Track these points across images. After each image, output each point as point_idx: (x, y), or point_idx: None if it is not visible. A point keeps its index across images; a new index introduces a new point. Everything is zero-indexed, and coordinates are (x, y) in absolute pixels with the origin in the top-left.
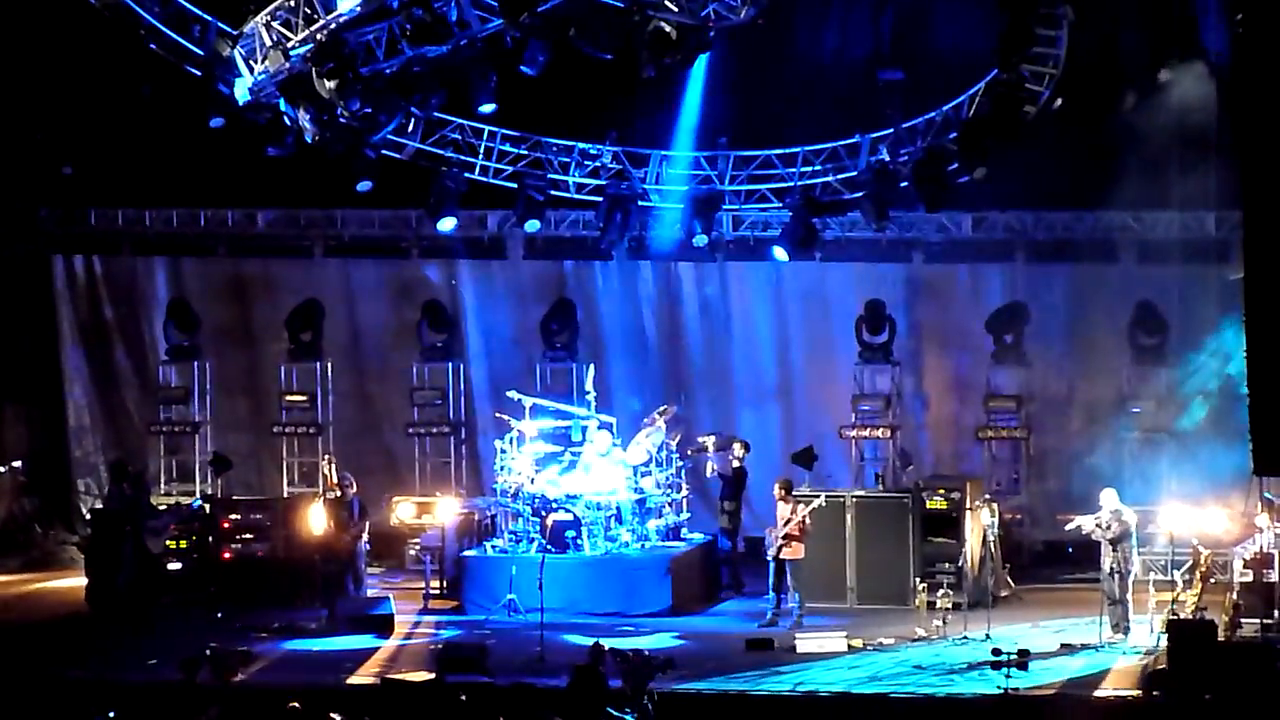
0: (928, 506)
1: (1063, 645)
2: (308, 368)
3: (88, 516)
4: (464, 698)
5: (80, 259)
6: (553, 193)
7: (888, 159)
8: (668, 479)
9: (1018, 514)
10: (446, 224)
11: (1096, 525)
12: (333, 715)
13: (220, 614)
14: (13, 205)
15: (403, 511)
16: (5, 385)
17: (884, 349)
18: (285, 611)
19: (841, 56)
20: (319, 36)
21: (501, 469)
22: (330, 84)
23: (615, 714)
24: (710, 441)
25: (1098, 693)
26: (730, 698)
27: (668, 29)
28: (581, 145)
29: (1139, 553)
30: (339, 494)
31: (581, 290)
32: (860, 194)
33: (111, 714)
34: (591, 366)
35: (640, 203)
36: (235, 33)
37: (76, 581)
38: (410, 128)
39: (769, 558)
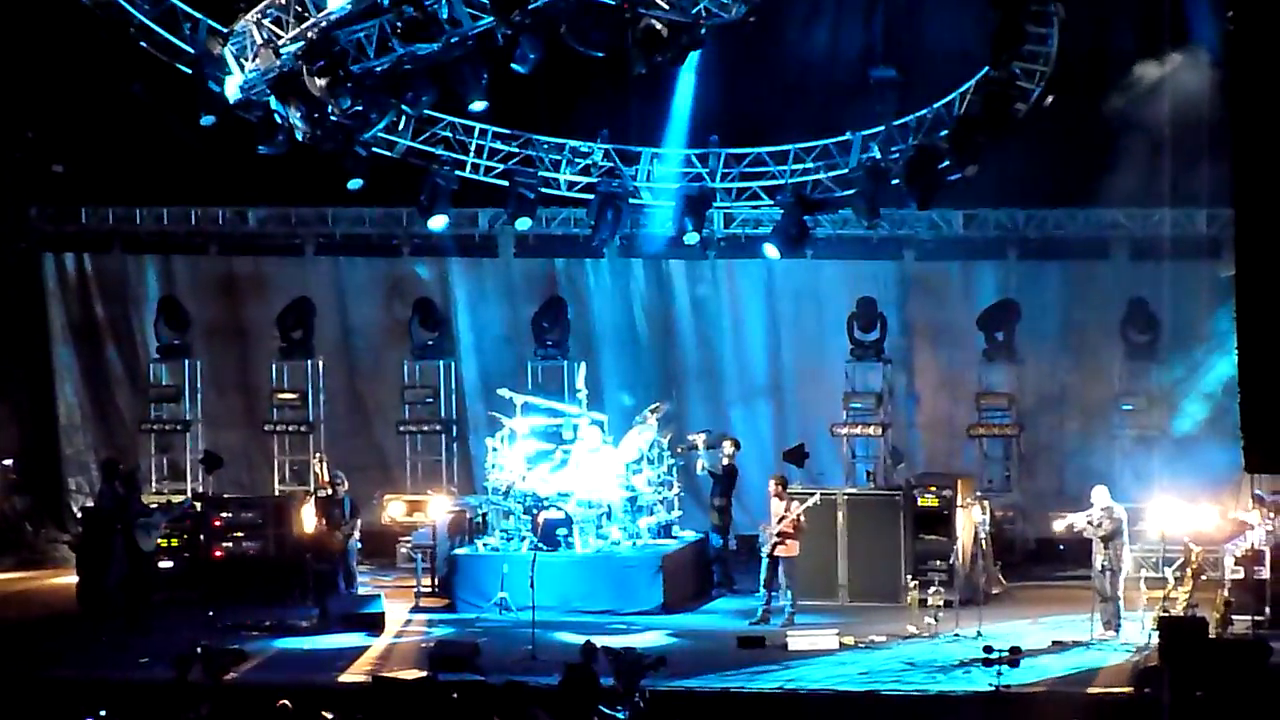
0: (919, 504)
1: (1054, 642)
2: (299, 366)
3: (79, 515)
4: (456, 696)
5: (71, 257)
6: (544, 190)
7: (879, 156)
8: (659, 477)
9: (1009, 511)
10: (438, 222)
11: (1088, 522)
12: (325, 714)
13: (211, 612)
14: (3, 203)
15: (394, 510)
16: None
17: (875, 346)
18: (277, 610)
19: (833, 54)
20: (310, 34)
21: (493, 467)
22: (321, 82)
23: (607, 712)
24: (700, 439)
25: (1089, 690)
26: (722, 695)
27: (659, 26)
28: (573, 143)
29: (1130, 550)
30: (330, 492)
31: (573, 288)
32: (852, 191)
33: (103, 712)
34: (583, 364)
35: (631, 200)
36: (226, 30)
37: (67, 580)
38: (401, 125)
39: (764, 554)
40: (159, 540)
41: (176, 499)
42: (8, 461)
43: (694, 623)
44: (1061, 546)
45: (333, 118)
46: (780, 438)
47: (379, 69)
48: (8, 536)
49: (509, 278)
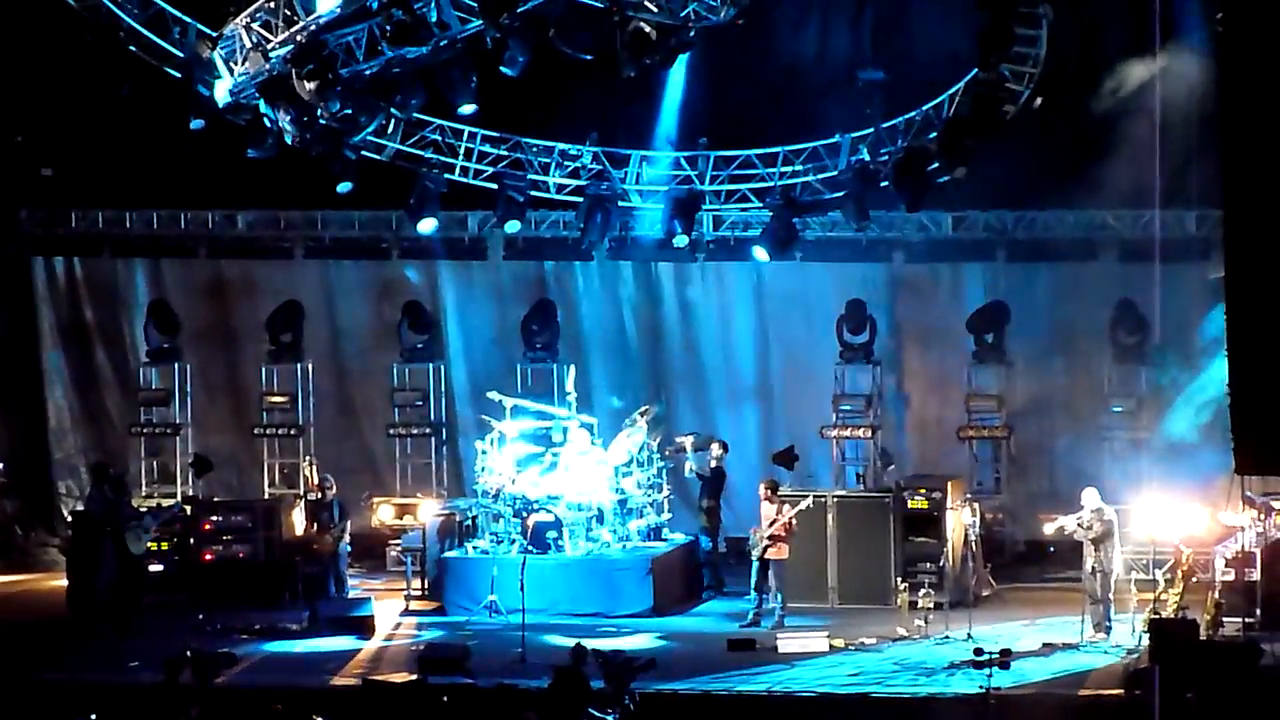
0: (909, 506)
1: (1044, 645)
2: (288, 369)
3: (68, 518)
4: (446, 699)
5: (61, 260)
6: (533, 193)
7: (868, 159)
8: (649, 479)
9: (999, 513)
10: (427, 225)
11: (1078, 524)
12: (315, 717)
13: (201, 615)
14: None
15: (383, 513)
16: None
17: (865, 349)
18: (266, 613)
19: (821, 56)
20: (299, 38)
21: (482, 470)
22: (310, 85)
23: (597, 715)
24: (688, 441)
25: (1080, 692)
26: (712, 698)
27: (647, 29)
28: (562, 146)
29: (1121, 552)
30: (320, 495)
31: (562, 291)
32: (841, 194)
33: (93, 716)
34: (572, 367)
35: (620, 203)
36: (215, 34)
37: (57, 583)
38: (390, 129)
39: (754, 557)
40: (149, 543)
41: (166, 502)
42: None
43: (684, 625)
44: (1051, 549)
45: (322, 121)
46: (770, 440)
47: (368, 72)
48: None
49: (498, 280)
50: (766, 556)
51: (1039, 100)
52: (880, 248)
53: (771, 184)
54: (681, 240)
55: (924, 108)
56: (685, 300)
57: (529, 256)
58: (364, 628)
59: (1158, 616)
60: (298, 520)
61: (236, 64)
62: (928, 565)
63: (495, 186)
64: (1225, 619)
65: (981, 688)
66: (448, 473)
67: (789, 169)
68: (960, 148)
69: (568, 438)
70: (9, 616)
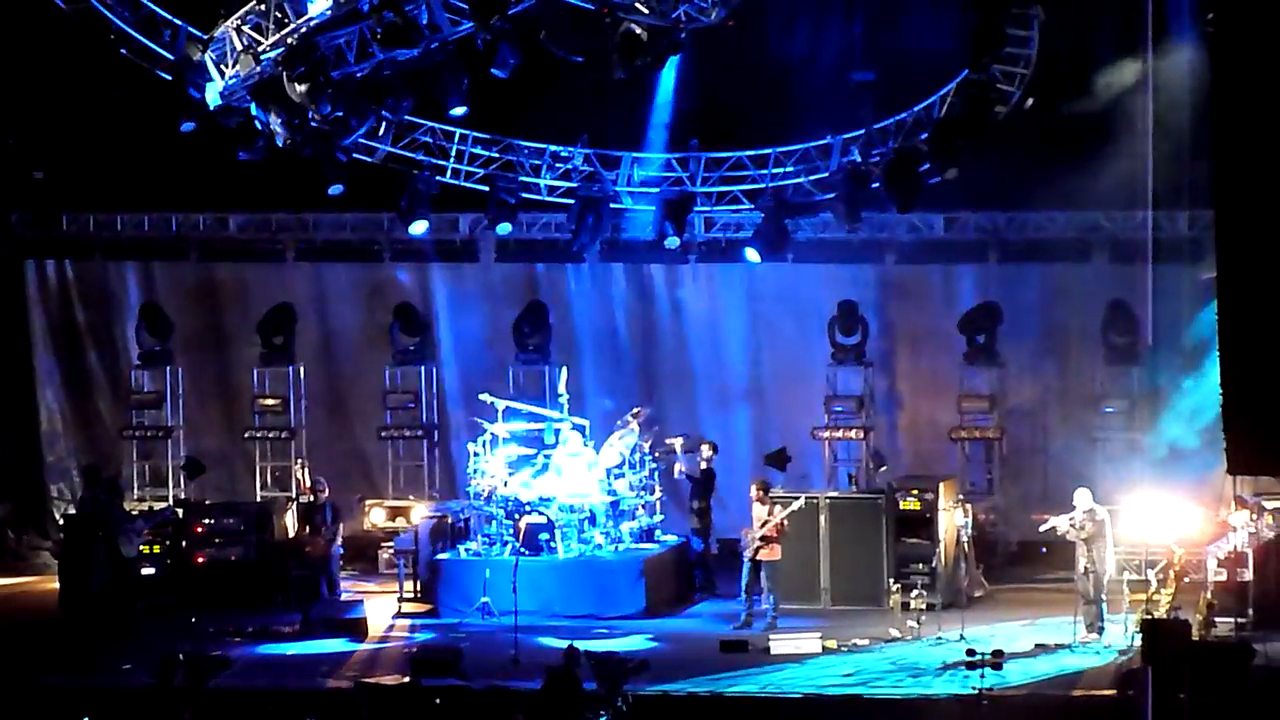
0: (901, 507)
1: (1037, 645)
2: (280, 371)
3: (60, 521)
4: (438, 701)
5: (52, 263)
6: (524, 195)
7: (859, 160)
8: (641, 481)
9: (991, 514)
10: (418, 227)
11: (1070, 525)
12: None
13: (194, 618)
14: None
15: (376, 515)
16: None
17: (857, 350)
18: (259, 616)
19: (813, 57)
20: (290, 40)
21: (474, 472)
22: (301, 88)
23: (590, 716)
24: (678, 443)
25: (1072, 693)
26: (704, 699)
27: (638, 31)
28: (553, 147)
29: (1113, 552)
30: (312, 498)
31: (553, 292)
32: (832, 195)
33: (86, 718)
34: (564, 369)
35: (612, 205)
36: (206, 37)
37: (49, 586)
38: (381, 131)
39: (745, 559)
40: (141, 546)
41: (158, 505)
42: None
43: (676, 627)
44: (1044, 549)
45: (313, 123)
46: (762, 441)
47: (359, 75)
48: None
49: (490, 282)
50: (758, 558)
51: (1030, 101)
52: (872, 249)
53: (763, 185)
54: (673, 242)
55: (915, 109)
56: (677, 302)
57: (520, 258)
58: (356, 630)
59: (1150, 617)
60: (290, 523)
61: (227, 66)
62: (920, 566)
63: (486, 188)
64: (1218, 619)
65: (974, 688)
66: (440, 475)
67: (780, 170)
68: (951, 149)
69: (560, 440)
70: (1, 620)
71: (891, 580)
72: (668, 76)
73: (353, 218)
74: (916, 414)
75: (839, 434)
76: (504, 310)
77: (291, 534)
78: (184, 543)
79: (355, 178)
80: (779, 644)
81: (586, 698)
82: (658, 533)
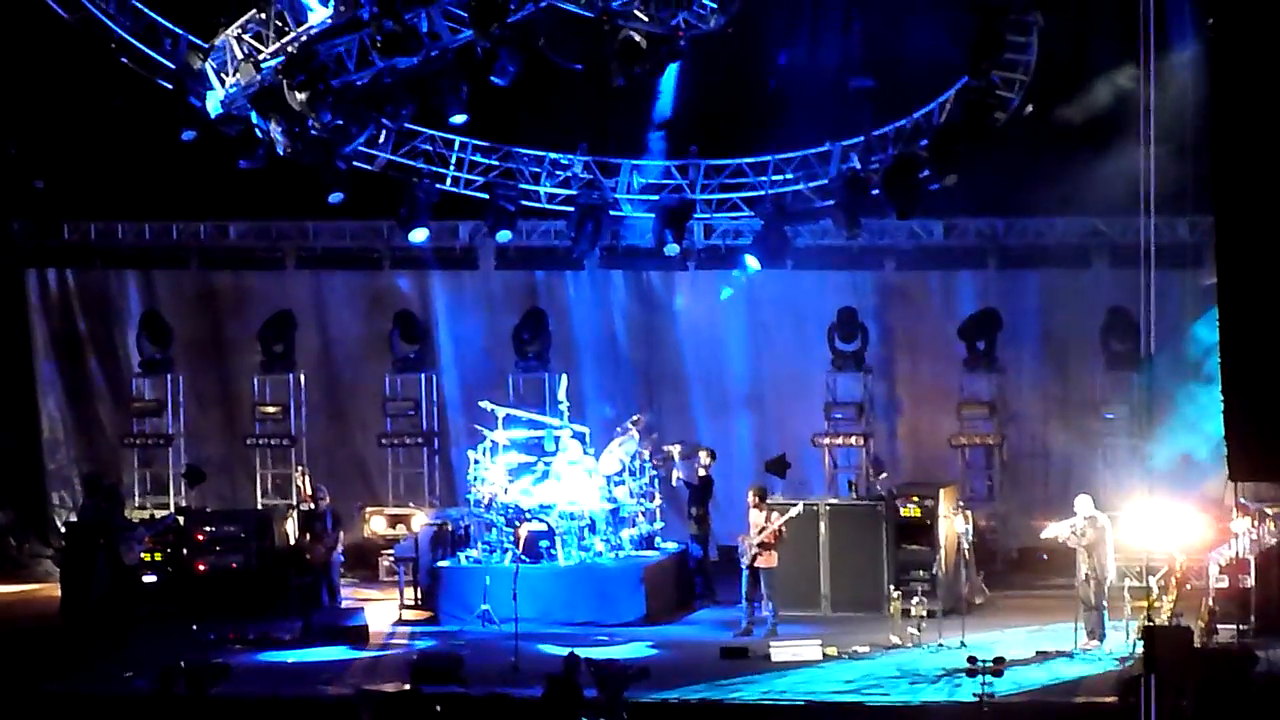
0: (901, 514)
1: (1038, 652)
2: (280, 379)
3: (62, 529)
4: (439, 708)
5: (53, 272)
6: (524, 203)
7: (859, 166)
8: (641, 488)
9: (992, 521)
10: (418, 235)
11: (1071, 532)
12: None
13: (195, 626)
14: None
15: (376, 522)
16: None
17: (856, 356)
18: (260, 623)
19: (812, 64)
20: (290, 49)
21: (475, 479)
22: (301, 96)
23: None
24: (676, 450)
25: (1074, 700)
26: (705, 707)
27: (637, 38)
28: (552, 155)
29: (1114, 559)
30: (312, 505)
31: (553, 300)
32: (831, 202)
33: None
34: (564, 376)
35: (611, 212)
36: (206, 46)
37: (50, 594)
38: (381, 139)
39: (743, 566)
40: (142, 554)
41: (159, 513)
42: None
43: (676, 634)
44: (1044, 556)
45: (313, 131)
46: (762, 448)
47: (359, 83)
48: None
49: (489, 290)
50: (756, 565)
51: (1030, 107)
52: (871, 255)
53: (762, 192)
54: (672, 249)
55: (915, 115)
56: (676, 309)
57: (520, 266)
58: (357, 637)
59: (1151, 623)
60: (290, 530)
61: (228, 75)
62: (921, 573)
63: (486, 196)
64: (1219, 626)
65: (975, 695)
66: (440, 482)
67: (780, 177)
68: (951, 155)
69: (560, 447)
70: (3, 627)
71: (892, 587)
72: (667, 84)
73: (353, 225)
74: (916, 420)
75: (839, 441)
76: (504, 317)
77: (292, 541)
78: (185, 550)
79: (355, 186)
80: (779, 651)
81: (587, 705)
82: (658, 540)
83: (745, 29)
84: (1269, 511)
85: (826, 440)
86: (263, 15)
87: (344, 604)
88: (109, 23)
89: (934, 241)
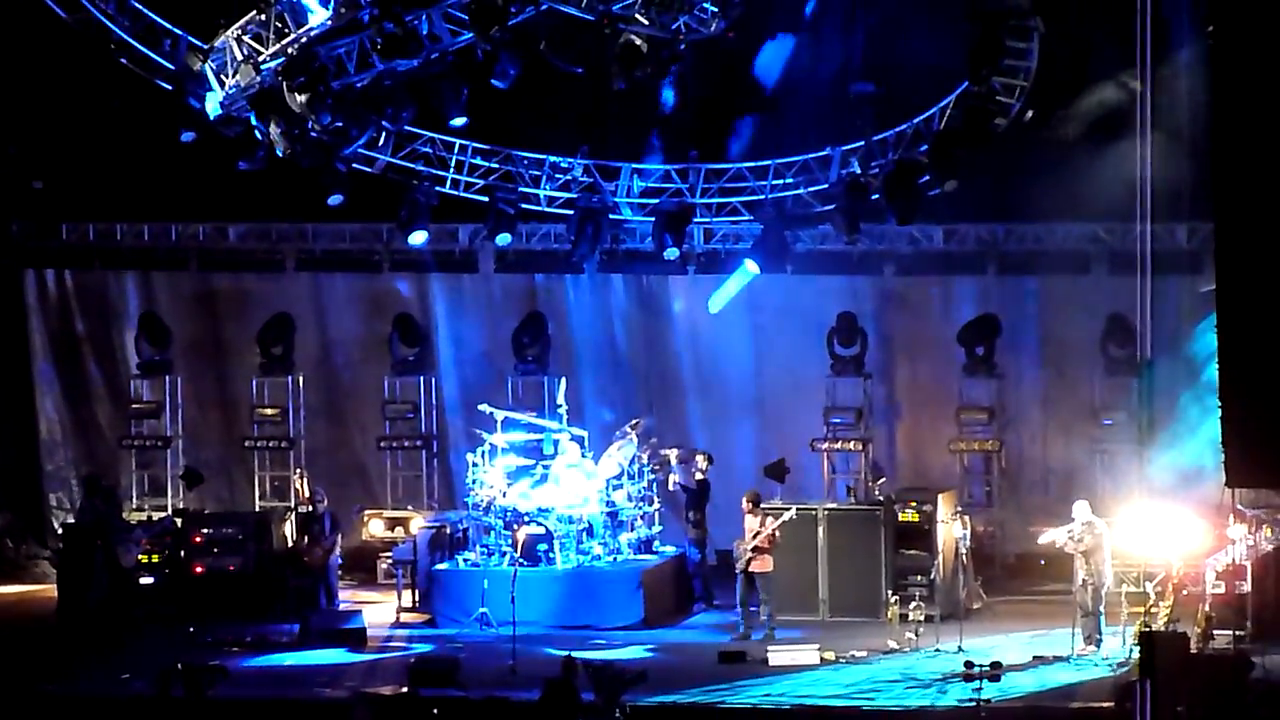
0: (900, 519)
1: (1035, 657)
2: (279, 382)
3: (59, 530)
4: (436, 711)
5: (51, 273)
6: (524, 206)
7: (859, 172)
8: (639, 492)
9: (990, 526)
10: (417, 237)
11: (1069, 537)
12: None
13: (192, 628)
14: None
15: (374, 525)
16: None
17: (855, 361)
18: (257, 626)
19: (813, 69)
20: (290, 50)
21: (473, 482)
22: (301, 98)
23: None
24: (673, 454)
25: (1071, 705)
26: (703, 710)
27: (638, 42)
28: (552, 158)
29: (1111, 564)
30: (311, 508)
31: (552, 303)
32: (831, 207)
33: None
34: (563, 379)
35: (611, 216)
36: (206, 47)
37: (48, 595)
38: (381, 141)
39: (738, 571)
40: (140, 556)
41: (157, 515)
42: None
43: (674, 638)
44: (1042, 561)
45: (313, 133)
46: (761, 453)
47: (359, 85)
48: None
49: (489, 293)
50: (750, 569)
51: (1030, 113)
52: (871, 260)
53: (762, 197)
54: (672, 253)
55: (915, 120)
56: (676, 313)
57: (520, 269)
58: (355, 640)
59: (1148, 629)
60: (288, 533)
61: (227, 76)
62: (918, 578)
63: (486, 199)
64: (1216, 632)
65: (973, 700)
66: (438, 485)
67: (780, 182)
68: (951, 160)
69: (558, 450)
70: (0, 629)
71: (890, 592)
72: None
73: (352, 228)
74: (915, 426)
75: (838, 445)
76: (503, 321)
77: (290, 544)
78: (183, 552)
79: (355, 188)
80: (777, 655)
81: (584, 708)
82: (656, 544)
83: (745, 33)
84: (1266, 518)
85: (825, 445)
86: (263, 17)
87: (341, 607)
88: (108, 23)
89: (933, 247)
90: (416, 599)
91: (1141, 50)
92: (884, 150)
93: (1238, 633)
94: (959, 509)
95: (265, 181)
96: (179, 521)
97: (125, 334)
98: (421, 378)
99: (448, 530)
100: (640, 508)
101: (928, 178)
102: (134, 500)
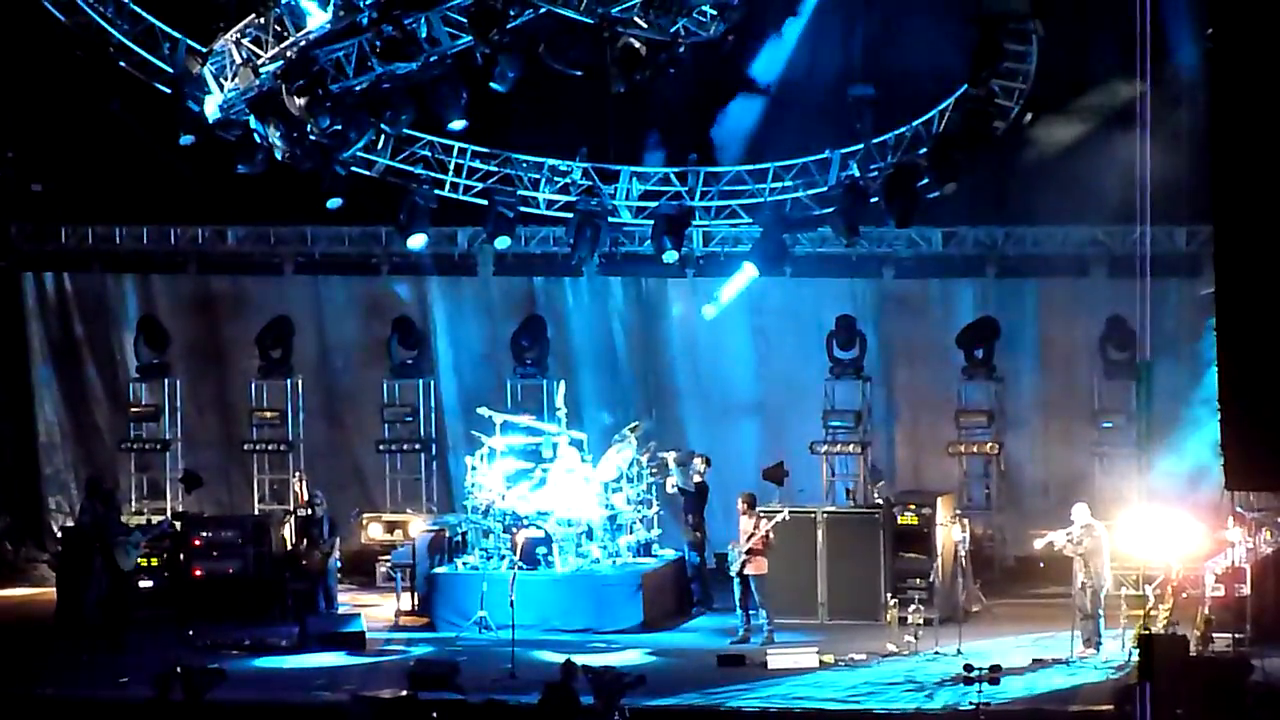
0: (899, 522)
1: (1034, 660)
2: (278, 385)
3: (58, 534)
4: (435, 715)
5: (51, 276)
6: (523, 209)
7: (858, 175)
8: (639, 495)
9: (989, 529)
10: (416, 241)
11: (1068, 540)
12: None
13: (191, 631)
14: None
15: (373, 528)
16: None
17: (855, 364)
18: (256, 629)
19: (812, 72)
20: (289, 54)
21: (472, 485)
22: (300, 101)
23: None
24: (671, 457)
25: (1070, 708)
26: (702, 713)
27: (637, 45)
28: (551, 161)
29: (1110, 567)
30: (309, 511)
31: (551, 306)
32: (831, 210)
33: None
34: (562, 383)
35: (610, 219)
36: (205, 50)
37: (47, 598)
38: (380, 144)
39: (733, 574)
40: (138, 559)
41: (156, 518)
42: None
43: (674, 641)
44: (1041, 564)
45: (312, 137)
46: (760, 455)
47: (358, 88)
48: None
49: (488, 296)
50: (745, 572)
51: (1029, 116)
52: (870, 263)
53: (762, 200)
54: (671, 256)
55: (914, 123)
56: (675, 316)
57: (519, 272)
58: (354, 643)
59: (1148, 632)
60: (287, 536)
61: (226, 79)
62: (918, 581)
63: (485, 202)
64: (1215, 635)
65: (971, 703)
66: (437, 488)
67: (779, 185)
68: (950, 163)
69: (557, 453)
70: None
71: (889, 595)
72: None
73: (351, 231)
74: (914, 429)
75: (837, 448)
76: (502, 324)
77: (289, 547)
78: (181, 555)
79: (354, 191)
80: (776, 658)
81: (584, 712)
82: (655, 547)
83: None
84: (1265, 520)
85: (824, 448)
86: (262, 20)
87: (340, 610)
88: (107, 27)
89: (933, 250)
90: (415, 602)
91: (1141, 53)
92: (883, 153)
93: (1237, 635)
94: (958, 512)
95: (264, 185)
96: (178, 525)
97: (124, 337)
98: (420, 381)
99: (447, 533)
100: (639, 511)
101: (927, 181)
102: (133, 503)
